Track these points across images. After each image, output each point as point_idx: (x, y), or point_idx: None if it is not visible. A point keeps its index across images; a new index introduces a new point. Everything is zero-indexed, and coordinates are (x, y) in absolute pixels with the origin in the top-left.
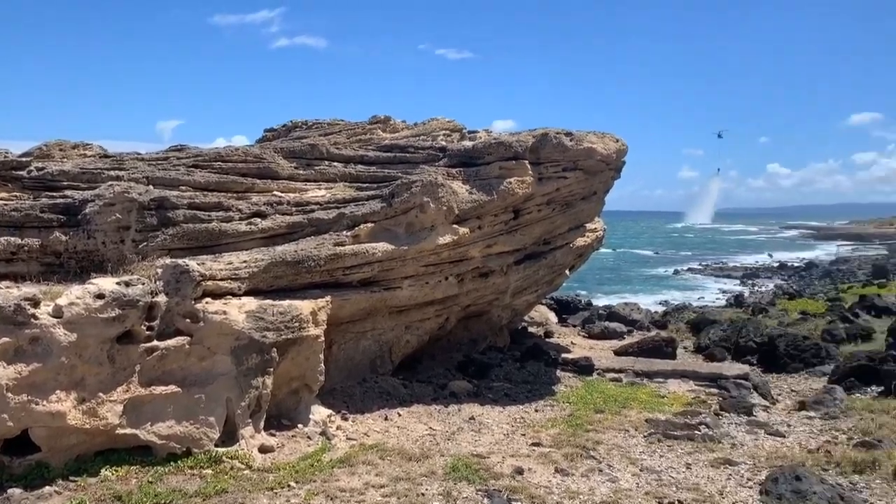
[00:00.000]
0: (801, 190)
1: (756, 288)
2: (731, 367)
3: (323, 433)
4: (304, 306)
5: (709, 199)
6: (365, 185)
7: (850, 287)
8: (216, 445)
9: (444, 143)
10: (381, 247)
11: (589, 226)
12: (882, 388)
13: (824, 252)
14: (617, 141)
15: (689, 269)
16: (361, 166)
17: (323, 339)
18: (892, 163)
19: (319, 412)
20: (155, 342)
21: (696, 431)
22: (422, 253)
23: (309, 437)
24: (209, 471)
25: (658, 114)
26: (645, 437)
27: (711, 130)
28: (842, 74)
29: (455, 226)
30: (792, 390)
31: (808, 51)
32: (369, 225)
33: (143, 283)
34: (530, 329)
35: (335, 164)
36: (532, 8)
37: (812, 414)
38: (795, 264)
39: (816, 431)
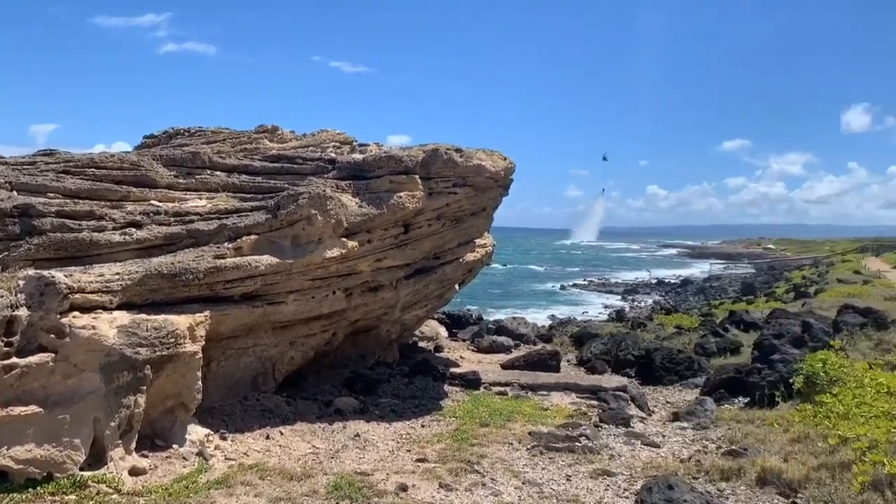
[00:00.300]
0: (677, 211)
1: (636, 303)
2: (610, 380)
3: (200, 454)
4: (180, 321)
5: (594, 218)
6: (249, 196)
7: (721, 303)
8: (81, 469)
9: (333, 155)
10: (265, 260)
11: (478, 241)
12: (748, 398)
13: (699, 270)
14: (505, 159)
15: (575, 285)
16: (246, 176)
17: (201, 355)
18: (760, 187)
19: (196, 432)
20: (14, 359)
21: (577, 443)
22: (308, 266)
23: (185, 458)
24: (72, 496)
25: (547, 134)
26: (528, 449)
27: (597, 153)
28: (714, 102)
29: (344, 239)
30: (667, 402)
31: (684, 79)
32: (253, 237)
33: (2, 296)
34: (420, 344)
35: (218, 173)
36: (429, 25)
37: (685, 424)
38: (672, 281)
39: (689, 441)
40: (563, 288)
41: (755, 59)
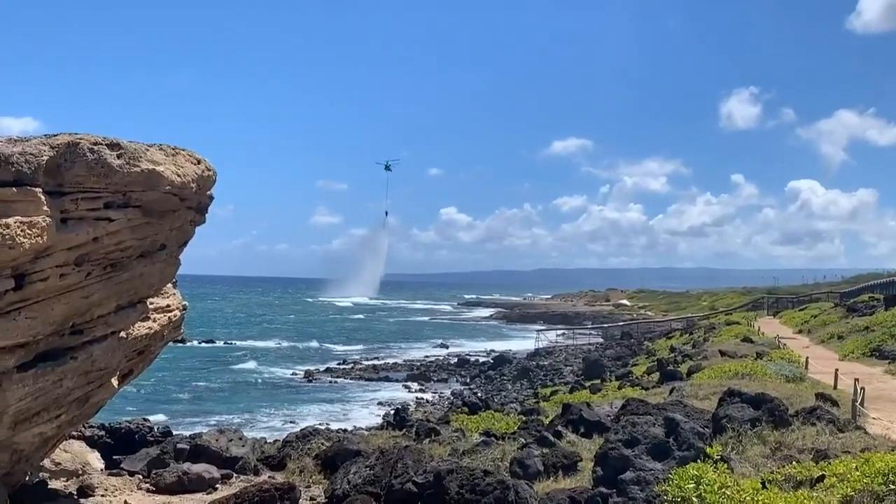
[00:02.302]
0: (487, 247)
1: (425, 396)
2: None
3: None
4: None
5: (374, 264)
6: None
7: (553, 392)
8: None
9: None
10: None
11: (157, 302)
12: None
13: (520, 341)
14: (198, 162)
15: (329, 371)
16: None
17: None
18: (607, 212)
19: None
20: None
21: None
22: None
23: None
24: None
25: (276, 128)
26: None
27: (362, 153)
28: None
29: None
30: None
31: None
32: None
33: None
34: (53, 485)
35: None
36: None
37: None
38: (481, 360)
39: None
40: (308, 378)
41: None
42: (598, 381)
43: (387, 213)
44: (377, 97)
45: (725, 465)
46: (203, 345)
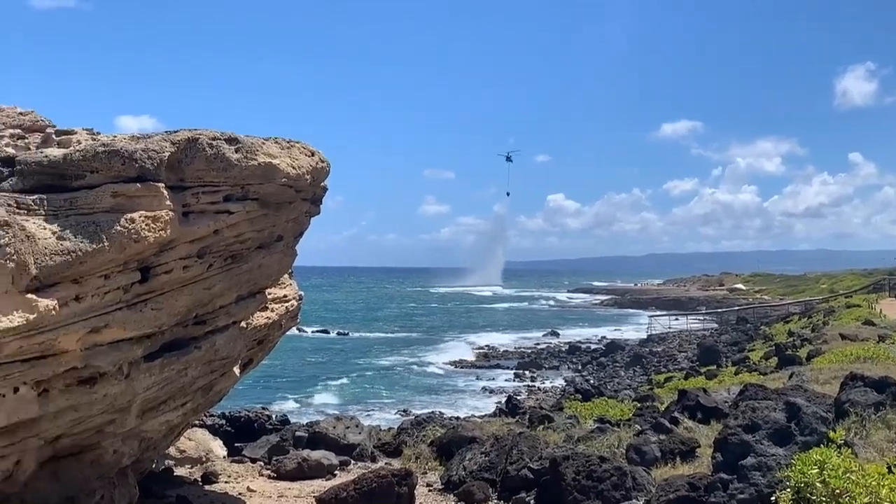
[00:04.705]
0: (596, 233)
1: (536, 384)
2: None
3: None
4: None
5: (497, 249)
6: None
7: (667, 379)
8: None
9: (10, 150)
10: None
11: (274, 292)
12: None
13: (632, 327)
14: (312, 154)
15: (440, 359)
16: None
17: None
18: (719, 194)
19: None
20: None
21: None
22: None
23: None
24: None
25: (383, 120)
26: None
27: (478, 146)
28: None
29: (31, 296)
30: None
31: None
32: None
33: None
34: (178, 472)
35: None
36: None
37: None
38: (592, 346)
39: None
40: (417, 365)
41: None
42: (713, 367)
43: (508, 194)
44: (483, 85)
45: (849, 450)
46: (316, 334)
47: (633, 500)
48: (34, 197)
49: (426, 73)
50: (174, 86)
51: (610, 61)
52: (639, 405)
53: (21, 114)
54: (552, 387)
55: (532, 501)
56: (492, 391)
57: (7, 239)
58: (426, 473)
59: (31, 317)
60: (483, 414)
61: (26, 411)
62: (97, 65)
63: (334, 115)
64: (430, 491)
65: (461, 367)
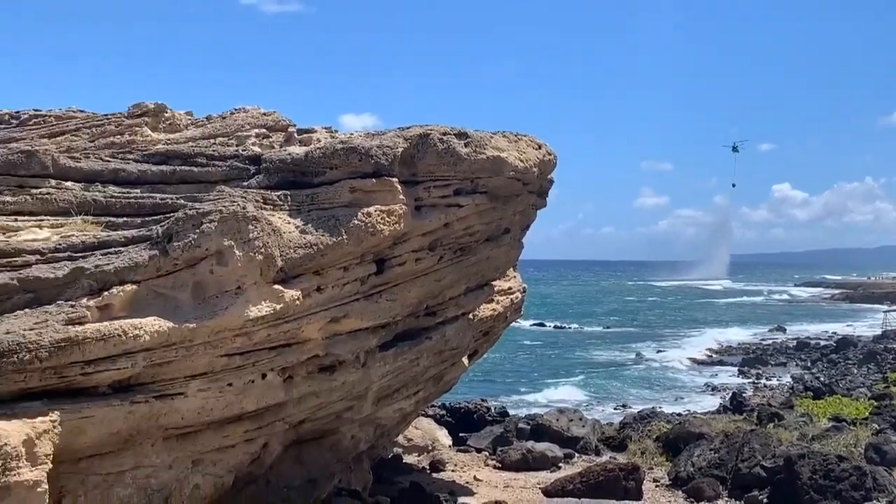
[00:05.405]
0: (825, 224)
1: (763, 381)
2: None
3: None
4: (11, 431)
5: (723, 242)
6: (122, 221)
7: None
8: None
9: (257, 149)
10: (150, 325)
11: (499, 284)
12: None
13: (866, 323)
14: (539, 147)
15: (660, 352)
16: (115, 188)
17: (47, 487)
18: None
19: None
20: None
21: None
22: (221, 334)
23: None
24: None
25: (597, 110)
26: None
27: (696, 137)
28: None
29: (277, 287)
30: None
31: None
32: (129, 287)
33: None
34: (407, 459)
35: (69, 184)
36: None
37: None
38: (822, 342)
39: None
40: (638, 358)
41: None
42: None
43: (734, 185)
44: (702, 74)
45: None
46: (533, 327)
47: (875, 502)
48: (279, 193)
49: (641, 59)
50: (394, 84)
51: (835, 41)
52: (875, 403)
53: (264, 114)
54: (779, 384)
55: (765, 500)
56: (714, 388)
57: (256, 233)
58: (652, 469)
59: (278, 306)
60: (705, 410)
61: (273, 396)
62: (321, 65)
63: (549, 108)
64: (657, 486)
65: (682, 363)
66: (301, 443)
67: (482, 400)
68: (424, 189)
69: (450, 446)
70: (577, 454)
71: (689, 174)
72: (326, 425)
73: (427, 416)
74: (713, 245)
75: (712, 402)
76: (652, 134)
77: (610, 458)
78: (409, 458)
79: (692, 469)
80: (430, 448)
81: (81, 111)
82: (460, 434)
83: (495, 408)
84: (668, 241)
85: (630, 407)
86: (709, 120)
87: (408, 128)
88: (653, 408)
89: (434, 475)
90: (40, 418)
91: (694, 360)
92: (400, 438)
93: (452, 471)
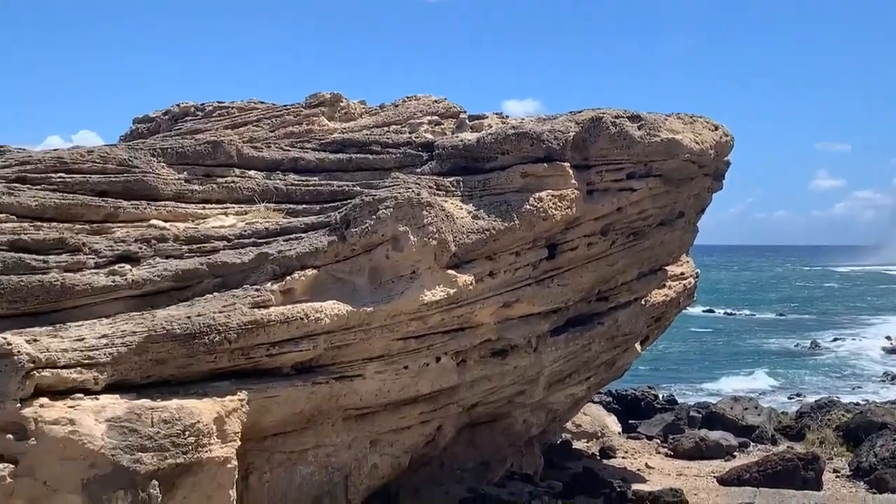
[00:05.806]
0: None
1: None
2: None
3: None
4: (203, 410)
5: None
6: (301, 208)
7: None
8: None
9: (429, 136)
10: (329, 308)
11: (672, 269)
12: None
13: None
14: (716, 128)
15: (837, 340)
16: (295, 176)
17: (235, 463)
18: None
19: None
20: None
21: None
22: (396, 318)
23: None
24: None
25: (767, 89)
26: None
27: (878, 114)
28: None
29: (451, 272)
30: None
31: None
32: (310, 272)
33: None
34: (577, 445)
35: (252, 173)
36: None
37: None
38: None
39: None
40: (814, 346)
41: None
42: None
43: None
44: (878, 46)
45: None
46: (703, 314)
47: None
48: (451, 179)
49: (813, 40)
50: (556, 70)
51: None
52: None
53: (435, 101)
54: None
55: None
56: (894, 377)
57: (430, 218)
58: (832, 459)
59: (452, 291)
60: (885, 400)
61: (447, 379)
62: (482, 52)
63: (719, 85)
64: (837, 477)
65: (862, 352)
66: (474, 426)
67: (649, 387)
68: (597, 173)
69: (619, 433)
70: (752, 443)
71: (869, 156)
72: (499, 409)
73: (596, 402)
74: (894, 228)
75: (889, 392)
76: (828, 115)
77: (787, 447)
78: (578, 444)
79: (874, 460)
80: (599, 434)
81: (262, 102)
82: (629, 421)
83: (663, 395)
84: (846, 225)
85: (805, 396)
86: (889, 97)
87: (579, 112)
88: (830, 397)
89: (605, 461)
90: (229, 397)
91: (874, 349)
92: (569, 424)
93: (623, 457)
